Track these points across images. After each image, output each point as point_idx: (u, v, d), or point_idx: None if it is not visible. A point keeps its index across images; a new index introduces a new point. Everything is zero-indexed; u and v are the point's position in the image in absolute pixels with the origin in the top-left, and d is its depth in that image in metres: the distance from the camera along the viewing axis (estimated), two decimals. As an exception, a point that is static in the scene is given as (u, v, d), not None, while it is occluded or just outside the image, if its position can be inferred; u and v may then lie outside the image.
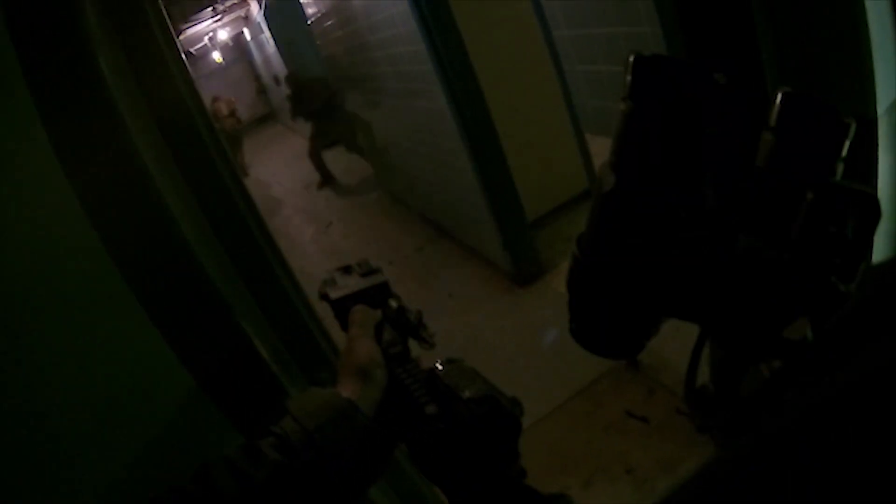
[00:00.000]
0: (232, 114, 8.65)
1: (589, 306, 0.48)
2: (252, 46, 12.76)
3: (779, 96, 0.40)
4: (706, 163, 0.42)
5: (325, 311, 0.87)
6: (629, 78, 0.40)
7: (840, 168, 0.39)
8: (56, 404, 0.64)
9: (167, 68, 0.85)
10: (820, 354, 0.39)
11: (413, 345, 0.72)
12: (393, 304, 0.75)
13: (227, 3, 8.96)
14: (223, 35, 11.91)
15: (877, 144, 0.93)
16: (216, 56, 13.22)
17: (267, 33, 9.93)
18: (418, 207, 4.66)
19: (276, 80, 10.06)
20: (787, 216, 0.40)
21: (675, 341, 0.59)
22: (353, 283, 0.78)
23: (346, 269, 0.81)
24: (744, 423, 0.43)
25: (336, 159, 6.75)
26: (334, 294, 0.77)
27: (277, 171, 8.60)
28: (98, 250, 0.71)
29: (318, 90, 6.16)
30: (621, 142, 0.42)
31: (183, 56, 0.93)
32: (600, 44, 1.77)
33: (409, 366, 0.67)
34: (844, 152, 0.39)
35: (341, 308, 0.75)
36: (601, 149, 2.07)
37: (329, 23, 4.97)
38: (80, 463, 0.65)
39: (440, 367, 0.63)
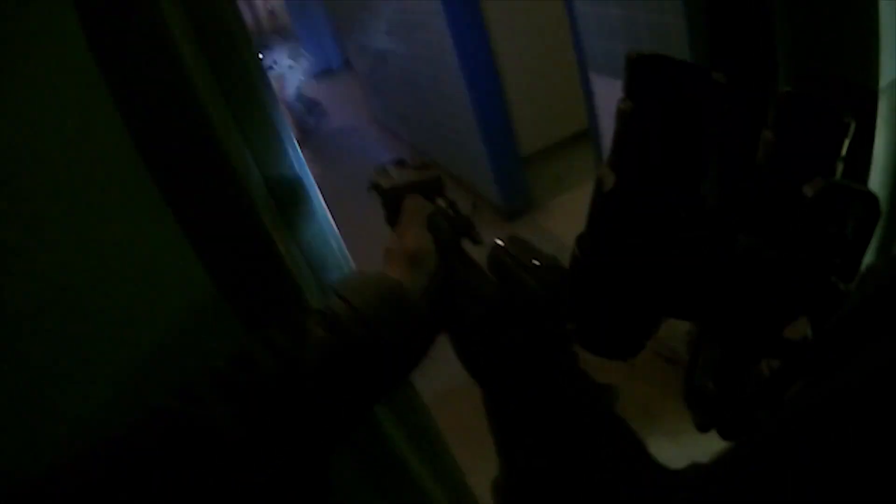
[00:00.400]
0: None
1: (589, 306, 0.48)
2: None
3: (779, 96, 0.40)
4: (706, 163, 0.42)
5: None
6: (628, 77, 0.40)
7: (840, 167, 0.39)
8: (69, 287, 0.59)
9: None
10: (820, 354, 0.39)
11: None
12: (442, 202, 0.75)
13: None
14: None
15: (875, 119, 0.95)
16: None
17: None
18: (410, 139, 4.68)
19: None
20: (787, 216, 0.40)
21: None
22: (406, 175, 0.77)
23: (400, 162, 0.80)
24: (744, 423, 0.43)
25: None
26: (387, 184, 0.76)
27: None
28: (115, 121, 0.65)
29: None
30: (621, 141, 0.42)
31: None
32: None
33: (464, 257, 0.66)
34: (844, 152, 0.39)
35: (392, 199, 0.74)
36: (604, 89, 2.09)
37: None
38: (91, 355, 0.60)
39: (500, 243, 0.62)
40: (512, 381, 0.55)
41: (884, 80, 1.00)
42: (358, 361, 0.52)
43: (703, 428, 0.46)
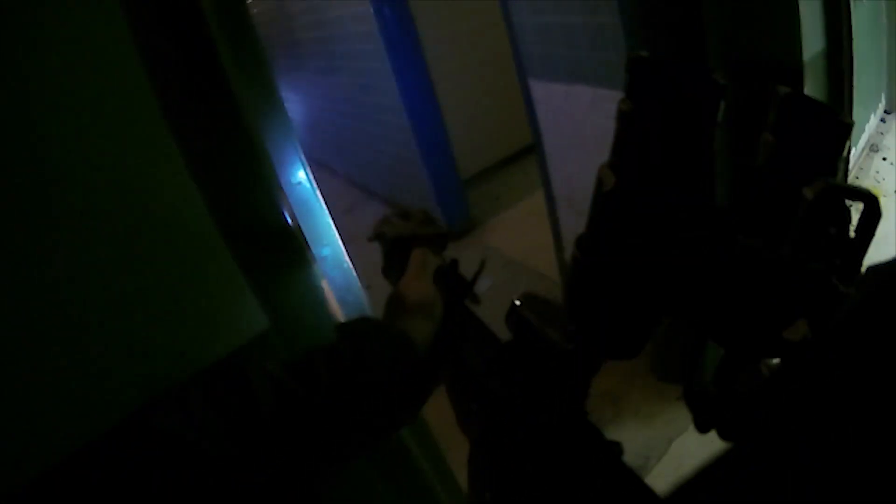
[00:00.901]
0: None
1: (589, 306, 0.48)
2: None
3: (779, 97, 0.39)
4: (706, 163, 0.41)
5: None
6: (628, 78, 0.40)
7: (840, 168, 0.39)
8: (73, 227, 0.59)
9: None
10: (820, 354, 0.39)
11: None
12: (446, 257, 0.74)
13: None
14: None
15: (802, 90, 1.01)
16: None
17: None
18: (345, 171, 4.75)
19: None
20: (787, 216, 0.40)
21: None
22: (411, 227, 0.76)
23: (404, 215, 0.79)
24: (744, 423, 0.43)
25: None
26: (391, 233, 0.75)
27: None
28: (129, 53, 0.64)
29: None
30: (621, 142, 0.42)
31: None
32: None
33: (467, 311, 0.66)
34: (844, 152, 0.39)
35: (397, 248, 0.73)
36: (544, 93, 2.15)
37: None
38: (90, 306, 0.61)
39: (518, 303, 0.61)
40: (514, 428, 0.55)
41: (807, 54, 1.06)
42: (360, 408, 0.52)
43: (703, 428, 0.46)
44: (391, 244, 0.74)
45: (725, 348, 0.44)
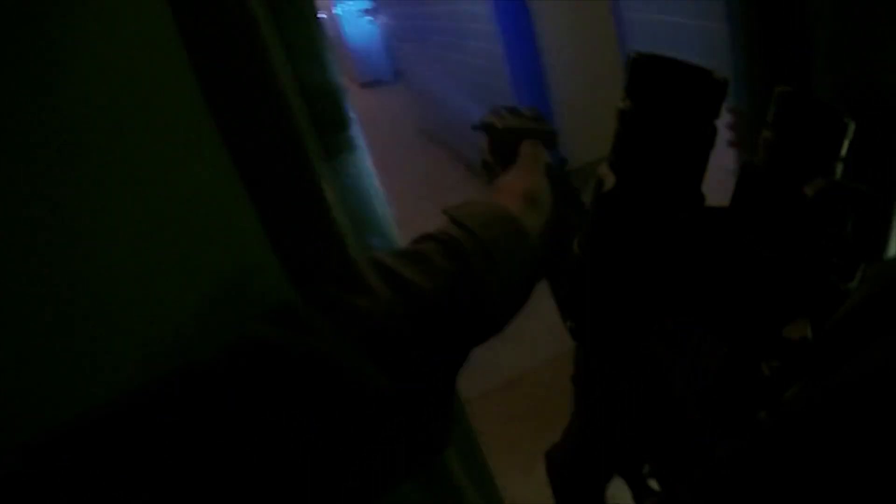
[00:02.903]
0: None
1: (589, 306, 0.48)
2: None
3: (777, 95, 0.40)
4: (706, 163, 0.42)
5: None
6: (629, 77, 0.41)
7: (839, 167, 0.39)
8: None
9: None
10: (820, 354, 0.39)
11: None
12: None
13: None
14: None
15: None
16: None
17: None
18: (462, 149, 4.77)
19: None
20: (787, 216, 0.40)
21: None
22: (522, 121, 0.73)
23: (513, 110, 0.76)
24: (744, 423, 0.42)
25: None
26: (501, 124, 0.72)
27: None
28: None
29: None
30: (621, 141, 0.43)
31: None
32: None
33: (581, 207, 0.64)
34: (844, 152, 0.39)
35: (506, 139, 0.71)
36: None
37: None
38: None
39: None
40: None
41: None
42: (480, 298, 0.46)
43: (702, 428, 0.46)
44: (501, 134, 0.71)
45: (725, 348, 0.44)
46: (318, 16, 0.78)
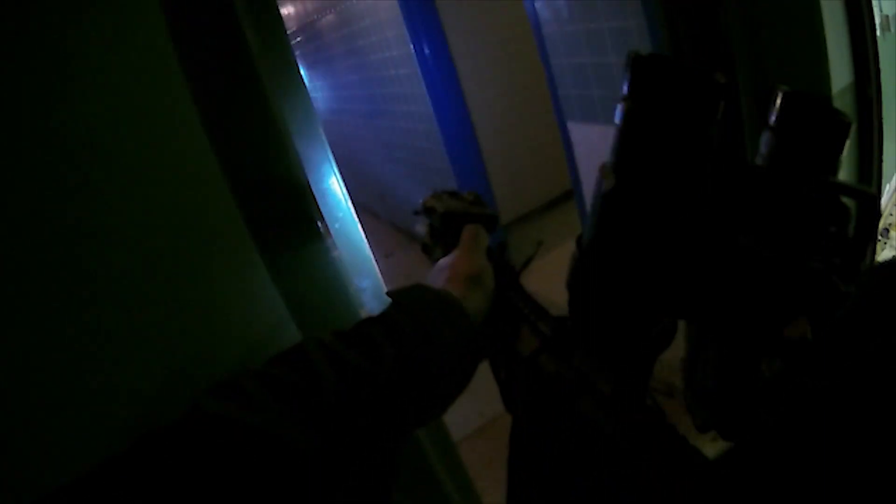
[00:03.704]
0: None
1: (589, 306, 0.48)
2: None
3: (779, 96, 0.40)
4: (706, 163, 0.42)
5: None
6: (629, 77, 0.41)
7: (840, 167, 0.39)
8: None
9: None
10: (820, 354, 0.39)
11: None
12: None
13: None
14: None
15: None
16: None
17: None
18: (388, 216, 4.76)
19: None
20: (787, 216, 0.40)
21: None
22: (462, 205, 0.74)
23: (453, 194, 0.77)
24: (744, 423, 0.42)
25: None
26: (443, 207, 0.73)
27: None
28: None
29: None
30: (621, 141, 0.43)
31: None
32: (586, 37, 1.89)
33: (520, 288, 0.64)
34: (844, 152, 0.39)
35: (447, 223, 0.71)
36: (582, 136, 2.21)
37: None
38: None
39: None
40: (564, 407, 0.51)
41: (836, 87, 1.10)
42: (422, 383, 0.49)
43: (702, 428, 0.45)
44: (441, 218, 0.73)
45: (725, 348, 0.44)
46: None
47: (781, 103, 0.40)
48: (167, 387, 0.59)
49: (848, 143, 0.39)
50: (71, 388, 0.53)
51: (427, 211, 0.76)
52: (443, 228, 0.73)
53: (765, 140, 0.41)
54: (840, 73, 1.17)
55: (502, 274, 0.66)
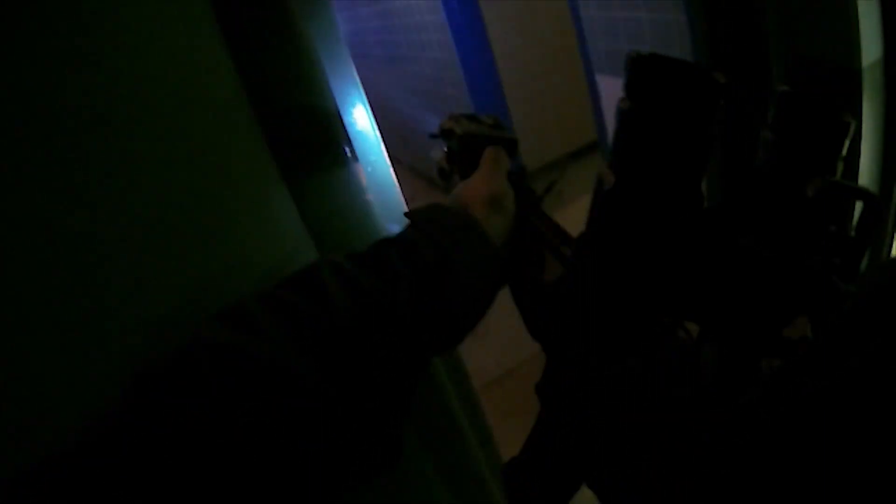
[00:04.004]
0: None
1: (588, 306, 0.48)
2: None
3: (778, 95, 0.40)
4: (706, 163, 0.41)
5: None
6: (629, 77, 0.40)
7: (840, 166, 0.39)
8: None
9: None
10: (820, 354, 0.39)
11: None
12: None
13: None
14: None
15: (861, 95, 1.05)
16: None
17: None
18: (410, 161, 4.74)
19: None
20: (788, 216, 0.40)
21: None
22: (482, 128, 0.72)
23: (472, 117, 0.74)
24: (744, 422, 0.42)
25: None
26: (462, 129, 0.70)
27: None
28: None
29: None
30: (621, 141, 0.42)
31: None
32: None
33: (543, 213, 0.63)
34: (844, 151, 0.39)
35: (466, 146, 0.69)
36: (610, 90, 2.19)
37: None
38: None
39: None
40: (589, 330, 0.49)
41: (866, 61, 1.08)
42: (439, 303, 0.46)
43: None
44: (459, 141, 0.70)
45: (725, 348, 0.44)
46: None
47: (780, 102, 0.40)
48: (181, 311, 0.56)
49: (848, 143, 0.39)
50: (79, 319, 0.49)
51: (444, 133, 0.73)
52: (461, 151, 0.70)
53: (764, 138, 0.41)
54: (871, 49, 1.16)
55: (524, 198, 0.63)
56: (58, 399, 0.43)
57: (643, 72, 0.40)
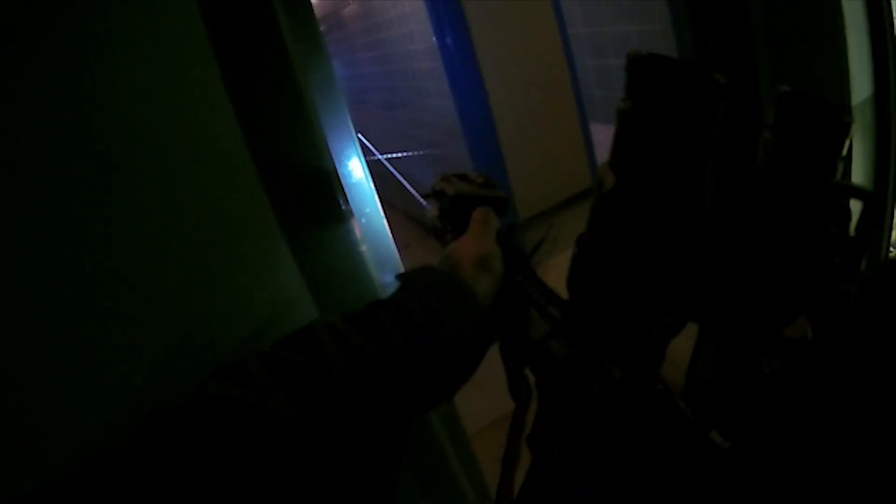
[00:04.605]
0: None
1: (588, 306, 0.48)
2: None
3: (778, 95, 0.40)
4: (706, 163, 0.42)
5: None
6: (629, 77, 0.41)
7: (840, 167, 0.39)
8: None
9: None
10: (820, 354, 0.38)
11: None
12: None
13: None
14: None
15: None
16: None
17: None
18: (405, 207, 4.73)
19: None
20: (787, 216, 0.40)
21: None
22: (472, 188, 0.73)
23: (463, 176, 0.76)
24: (744, 423, 0.42)
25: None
26: (452, 191, 0.72)
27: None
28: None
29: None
30: (621, 141, 0.43)
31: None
32: (612, 40, 1.88)
33: (531, 273, 0.64)
34: (844, 151, 0.39)
35: (457, 206, 0.71)
36: (604, 138, 2.16)
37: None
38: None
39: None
40: (567, 399, 0.50)
41: (856, 100, 1.12)
42: (429, 367, 0.49)
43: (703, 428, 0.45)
44: (451, 201, 0.72)
45: (725, 348, 0.44)
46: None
47: (780, 102, 0.40)
48: (182, 364, 0.59)
49: (848, 143, 0.39)
50: (86, 369, 0.52)
51: (437, 194, 0.75)
52: (453, 211, 0.72)
53: (764, 139, 0.41)
54: (861, 87, 1.18)
55: (512, 257, 0.65)
56: (66, 426, 0.48)
57: (643, 72, 0.40)
